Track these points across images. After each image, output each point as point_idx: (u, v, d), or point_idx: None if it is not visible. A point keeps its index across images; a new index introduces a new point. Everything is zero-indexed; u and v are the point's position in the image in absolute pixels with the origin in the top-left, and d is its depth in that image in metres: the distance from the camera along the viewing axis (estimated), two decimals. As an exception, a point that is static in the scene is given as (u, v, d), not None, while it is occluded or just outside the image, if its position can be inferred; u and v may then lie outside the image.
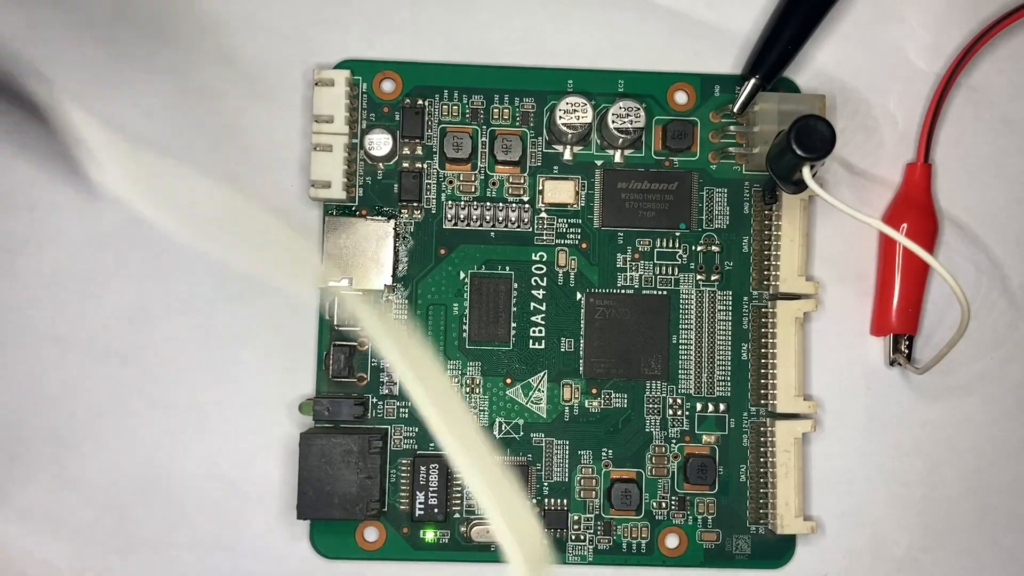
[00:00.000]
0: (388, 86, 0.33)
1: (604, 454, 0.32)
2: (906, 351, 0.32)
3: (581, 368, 0.32)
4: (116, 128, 0.32)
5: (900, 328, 0.33)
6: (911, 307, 0.33)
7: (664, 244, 0.33)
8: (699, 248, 0.33)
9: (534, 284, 0.33)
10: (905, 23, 0.34)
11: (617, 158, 0.33)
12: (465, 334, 0.32)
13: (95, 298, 0.32)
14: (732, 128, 0.33)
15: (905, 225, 0.32)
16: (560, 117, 0.32)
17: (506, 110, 0.33)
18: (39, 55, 0.32)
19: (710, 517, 0.32)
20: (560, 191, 0.33)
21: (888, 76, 0.34)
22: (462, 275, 0.32)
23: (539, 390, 0.32)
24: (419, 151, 0.33)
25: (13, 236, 0.33)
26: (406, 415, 0.32)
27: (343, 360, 0.32)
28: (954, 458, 0.33)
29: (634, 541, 0.32)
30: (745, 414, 0.32)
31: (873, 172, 0.33)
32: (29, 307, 0.32)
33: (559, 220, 0.33)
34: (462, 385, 0.32)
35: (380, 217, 0.32)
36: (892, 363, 0.33)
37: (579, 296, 0.33)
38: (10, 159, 0.33)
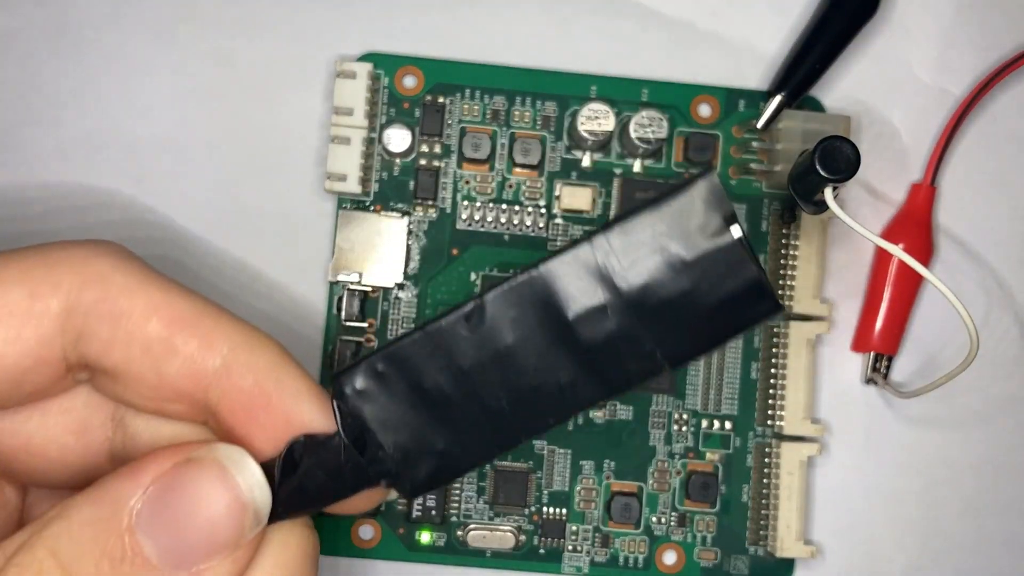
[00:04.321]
0: (410, 82, 0.32)
1: (606, 465, 0.32)
2: (883, 371, 0.32)
3: (588, 377, 0.32)
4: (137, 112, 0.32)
5: (881, 347, 0.32)
6: (896, 327, 0.32)
7: (679, 257, 0.32)
8: (714, 263, 0.32)
9: (545, 290, 0.32)
10: (930, 46, 0.33)
11: (636, 167, 0.32)
12: (473, 336, 0.32)
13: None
14: (755, 144, 0.32)
15: (902, 245, 0.32)
16: (581, 123, 0.31)
17: (527, 113, 0.32)
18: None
19: (709, 535, 0.32)
20: (577, 197, 0.32)
21: (909, 97, 0.33)
22: (473, 276, 0.32)
23: (544, 397, 0.32)
24: (437, 149, 0.32)
25: (7, 239, 0.32)
26: (409, 414, 0.32)
27: (349, 356, 0.31)
28: (952, 478, 0.33)
29: (631, 555, 0.32)
30: (751, 433, 0.32)
31: (888, 192, 0.33)
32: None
33: (574, 226, 0.32)
34: (467, 387, 0.32)
35: (394, 213, 0.32)
36: (868, 381, 0.33)
37: (590, 305, 0.32)
38: (4, 159, 0.32)
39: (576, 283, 0.20)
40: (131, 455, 0.23)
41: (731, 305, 0.20)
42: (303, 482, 0.21)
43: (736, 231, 0.20)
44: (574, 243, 0.20)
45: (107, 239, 0.23)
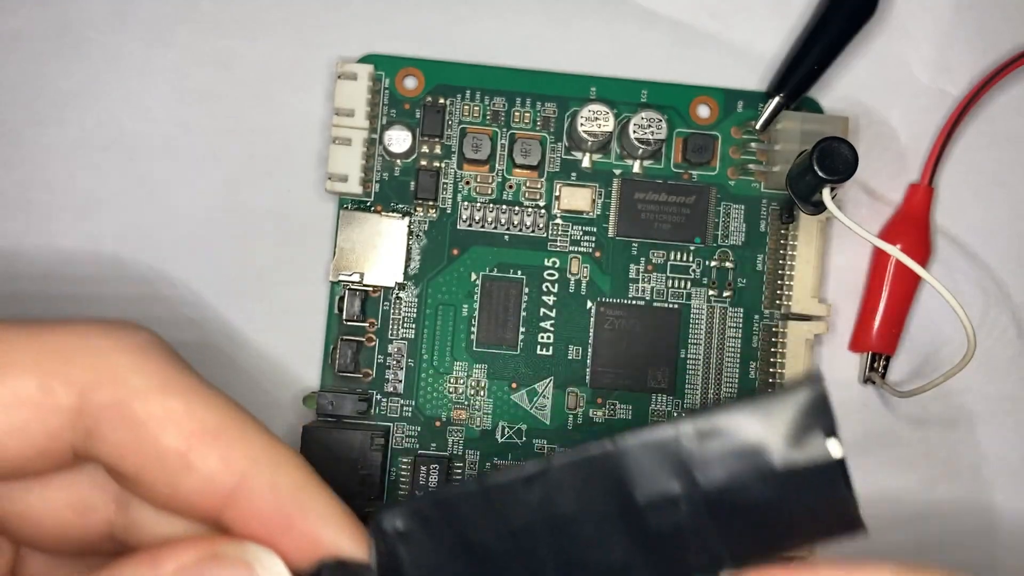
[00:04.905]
0: (411, 83, 0.32)
1: (605, 464, 0.32)
2: (881, 371, 0.32)
3: (587, 377, 0.32)
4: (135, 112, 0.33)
5: (878, 347, 0.33)
6: (893, 327, 0.33)
7: (678, 257, 0.33)
8: (713, 263, 0.33)
9: (545, 290, 0.32)
10: (928, 47, 0.34)
11: (636, 168, 0.33)
12: (473, 336, 0.32)
13: (94, 301, 0.32)
14: (753, 145, 0.33)
15: (899, 245, 0.32)
16: (581, 124, 0.31)
17: (527, 114, 0.33)
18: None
19: (708, 534, 0.32)
20: (577, 198, 0.32)
21: (907, 98, 0.34)
22: (473, 276, 0.32)
23: (544, 396, 0.32)
24: (438, 150, 0.32)
25: (7, 240, 0.32)
26: (409, 414, 0.32)
27: (350, 355, 0.32)
28: (949, 477, 0.33)
29: (630, 554, 0.32)
30: (749, 433, 0.32)
31: (886, 193, 0.33)
32: (26, 312, 0.32)
33: (574, 227, 0.33)
34: (467, 387, 0.32)
35: (394, 214, 0.32)
36: (866, 381, 0.33)
37: (589, 305, 0.32)
38: (5, 160, 0.32)
39: (652, 468, 0.19)
40: (133, 538, 0.22)
41: (814, 521, 0.19)
42: None
43: (836, 450, 0.19)
44: (656, 424, 0.19)
45: (132, 319, 0.22)
